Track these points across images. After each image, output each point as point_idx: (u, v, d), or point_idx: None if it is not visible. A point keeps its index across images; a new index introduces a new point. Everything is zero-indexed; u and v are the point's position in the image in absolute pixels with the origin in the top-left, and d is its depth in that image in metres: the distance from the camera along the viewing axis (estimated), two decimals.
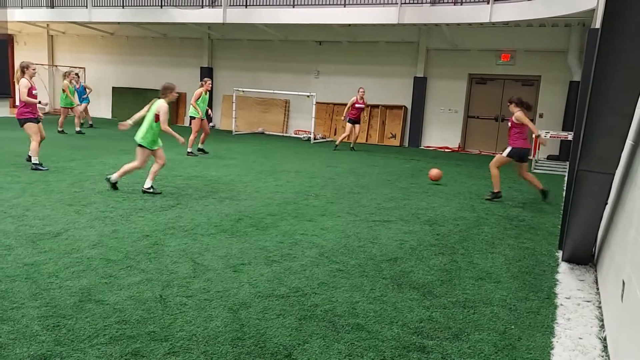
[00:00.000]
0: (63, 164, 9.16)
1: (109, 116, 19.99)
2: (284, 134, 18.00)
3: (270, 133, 17.94)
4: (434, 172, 9.39)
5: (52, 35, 21.90)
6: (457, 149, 16.27)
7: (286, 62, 18.22)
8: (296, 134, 17.77)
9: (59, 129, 14.42)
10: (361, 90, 13.69)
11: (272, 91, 17.11)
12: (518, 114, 7.72)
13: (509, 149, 7.82)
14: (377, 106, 16.93)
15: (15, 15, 18.75)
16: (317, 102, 16.22)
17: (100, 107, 20.18)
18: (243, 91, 17.13)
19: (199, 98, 11.31)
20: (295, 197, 7.41)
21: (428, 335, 3.27)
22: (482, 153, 15.90)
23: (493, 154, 15.79)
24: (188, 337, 3.08)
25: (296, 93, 16.75)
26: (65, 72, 14.94)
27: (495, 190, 7.96)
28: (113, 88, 20.09)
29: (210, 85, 11.73)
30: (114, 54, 20.80)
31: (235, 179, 8.64)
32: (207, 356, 2.88)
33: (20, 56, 22.32)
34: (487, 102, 16.26)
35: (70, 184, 7.45)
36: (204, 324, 3.26)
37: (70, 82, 14.63)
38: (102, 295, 3.62)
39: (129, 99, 20.29)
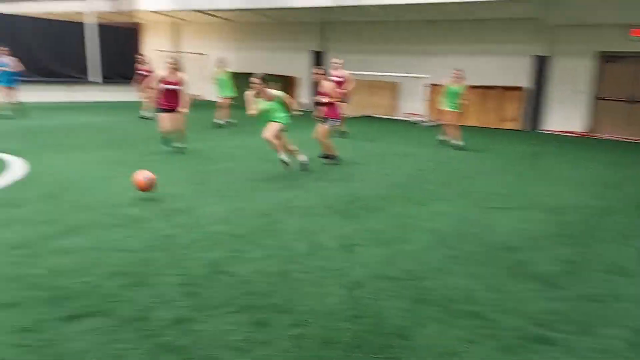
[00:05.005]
0: (191, 144, 9.85)
1: None
2: (393, 117, 17.83)
3: (378, 116, 17.85)
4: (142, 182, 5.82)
5: (177, 24, 23.46)
6: (584, 134, 15.12)
7: (397, 44, 17.97)
8: (407, 117, 17.51)
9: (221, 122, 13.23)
10: None
11: (382, 74, 16.97)
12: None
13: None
14: (493, 87, 16.19)
15: (143, 4, 20.35)
16: (429, 84, 15.86)
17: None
18: (353, 74, 17.17)
19: None
20: (405, 181, 7.38)
21: (552, 328, 3.15)
22: (614, 138, 14.60)
23: (626, 139, 14.44)
24: (308, 311, 3.23)
25: (406, 75, 16.47)
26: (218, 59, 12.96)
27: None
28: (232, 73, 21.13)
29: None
30: (232, 40, 21.82)
31: (343, 161, 8.76)
32: (326, 330, 3.01)
33: (147, 44, 24.24)
34: (618, 81, 14.90)
35: (196, 164, 8.03)
36: (321, 300, 3.40)
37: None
38: (231, 267, 3.90)
39: (241, 83, 21.21)
